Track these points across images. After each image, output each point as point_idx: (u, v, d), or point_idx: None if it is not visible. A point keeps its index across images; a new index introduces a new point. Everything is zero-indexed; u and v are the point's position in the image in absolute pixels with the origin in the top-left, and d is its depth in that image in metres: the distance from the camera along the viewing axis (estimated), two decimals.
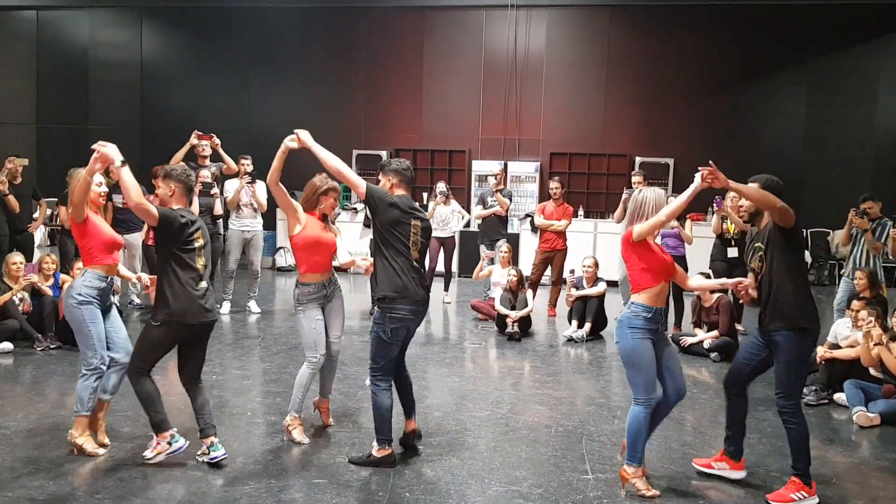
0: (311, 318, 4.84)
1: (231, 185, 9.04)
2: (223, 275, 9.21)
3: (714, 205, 8.49)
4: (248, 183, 8.93)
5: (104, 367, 4.52)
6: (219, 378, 6.34)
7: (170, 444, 4.35)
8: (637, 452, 4.17)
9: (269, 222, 9.99)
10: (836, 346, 6.44)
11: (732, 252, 8.51)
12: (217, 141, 8.95)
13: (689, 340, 7.64)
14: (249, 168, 8.96)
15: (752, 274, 4.31)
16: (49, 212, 11.19)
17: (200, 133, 8.89)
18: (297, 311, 4.87)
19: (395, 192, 4.51)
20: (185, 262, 4.35)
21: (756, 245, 4.27)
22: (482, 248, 9.90)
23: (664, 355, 4.25)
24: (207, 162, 9.08)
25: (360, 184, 4.45)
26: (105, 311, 4.61)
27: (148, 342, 4.36)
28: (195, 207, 7.48)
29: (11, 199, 8.84)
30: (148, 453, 4.39)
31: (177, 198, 4.46)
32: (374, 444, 4.49)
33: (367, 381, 4.73)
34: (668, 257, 4.33)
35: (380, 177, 4.63)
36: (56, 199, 9.59)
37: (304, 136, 4.53)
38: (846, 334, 6.47)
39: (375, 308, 4.53)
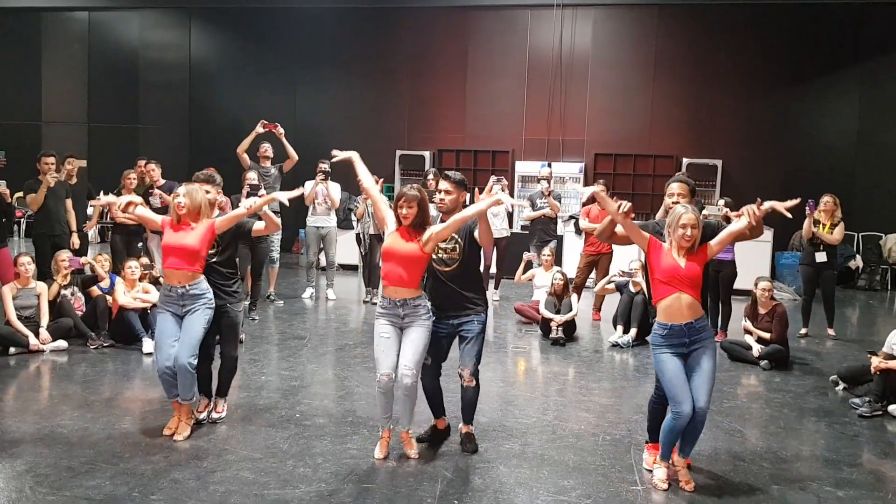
0: (377, 333, 4.61)
1: (308, 184, 9.75)
2: (305, 265, 10.69)
3: (807, 208, 8.37)
4: (322, 181, 9.66)
5: None
6: (267, 379, 6.43)
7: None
8: (663, 449, 4.38)
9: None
10: (892, 357, 6.28)
11: (821, 256, 8.52)
12: (281, 130, 9.51)
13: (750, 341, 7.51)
14: (327, 168, 9.63)
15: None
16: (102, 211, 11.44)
17: (266, 122, 9.42)
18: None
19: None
20: None
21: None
22: (532, 249, 9.85)
23: (695, 369, 4.27)
24: (268, 164, 9.55)
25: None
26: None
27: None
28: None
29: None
30: (215, 414, 5.29)
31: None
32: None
33: (470, 378, 4.72)
34: (687, 269, 4.22)
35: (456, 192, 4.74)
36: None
37: None
38: None
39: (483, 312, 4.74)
